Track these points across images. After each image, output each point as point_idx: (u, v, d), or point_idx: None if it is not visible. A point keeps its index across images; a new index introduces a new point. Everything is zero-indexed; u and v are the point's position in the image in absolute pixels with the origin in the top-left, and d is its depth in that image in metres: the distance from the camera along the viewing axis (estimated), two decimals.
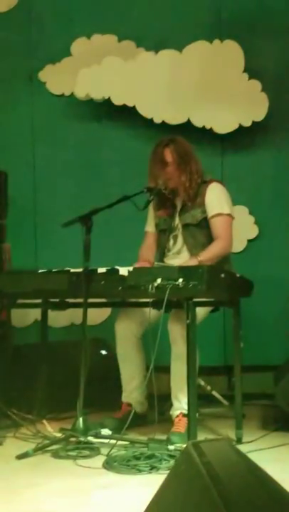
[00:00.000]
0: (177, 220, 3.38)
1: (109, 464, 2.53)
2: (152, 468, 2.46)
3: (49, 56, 4.44)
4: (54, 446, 2.78)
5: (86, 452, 2.71)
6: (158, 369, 2.82)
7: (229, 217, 3.34)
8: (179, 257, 3.34)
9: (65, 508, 2.09)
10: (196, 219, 3.31)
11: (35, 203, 4.46)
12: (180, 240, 3.37)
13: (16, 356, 3.66)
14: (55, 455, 2.71)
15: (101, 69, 4.24)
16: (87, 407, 2.85)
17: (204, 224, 3.31)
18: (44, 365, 3.44)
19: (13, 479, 2.43)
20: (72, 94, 4.36)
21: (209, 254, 3.18)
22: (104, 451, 2.69)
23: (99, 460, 2.61)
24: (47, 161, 4.46)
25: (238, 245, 4.02)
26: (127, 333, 3.30)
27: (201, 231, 3.32)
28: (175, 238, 3.39)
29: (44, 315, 3.47)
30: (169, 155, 3.31)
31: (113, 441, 2.75)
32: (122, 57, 4.27)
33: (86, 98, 4.28)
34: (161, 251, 3.43)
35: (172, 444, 2.72)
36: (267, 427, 3.22)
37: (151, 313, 3.17)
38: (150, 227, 3.52)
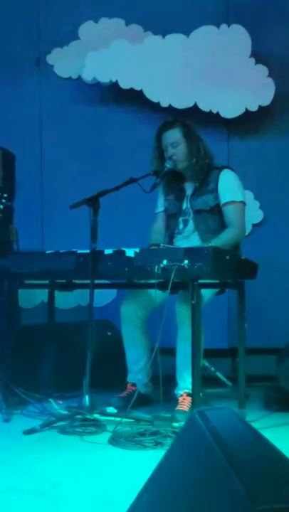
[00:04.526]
0: (187, 204, 3.41)
1: (115, 440, 2.58)
2: (157, 444, 2.52)
3: (57, 39, 4.46)
4: (61, 423, 2.83)
5: (92, 429, 2.77)
6: (163, 351, 2.87)
7: (242, 204, 3.35)
8: (189, 240, 3.36)
9: (71, 480, 2.14)
10: (208, 205, 3.33)
11: (42, 186, 4.49)
12: (191, 224, 3.39)
13: (23, 336, 3.71)
14: (62, 431, 2.76)
15: (108, 52, 4.25)
16: (93, 387, 2.90)
17: (216, 210, 3.33)
18: (51, 345, 3.49)
19: (21, 453, 2.48)
20: (79, 78, 4.38)
21: (221, 240, 3.18)
22: (110, 428, 2.75)
23: (105, 436, 2.67)
24: (54, 144, 4.49)
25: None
26: (132, 315, 3.34)
27: (213, 217, 3.34)
28: (185, 222, 3.41)
29: (51, 296, 3.52)
30: (177, 135, 3.33)
31: (118, 419, 2.81)
32: (130, 41, 4.28)
33: (93, 82, 4.30)
34: (171, 233, 3.46)
35: (176, 421, 2.78)
36: (269, 408, 3.28)
37: (156, 295, 3.22)
38: (159, 210, 3.55)
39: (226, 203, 3.31)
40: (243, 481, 0.82)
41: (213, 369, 3.76)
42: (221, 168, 3.37)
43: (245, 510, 0.76)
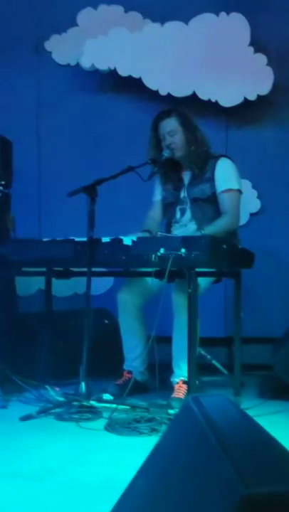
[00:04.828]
0: (185, 193, 3.41)
1: (111, 426, 2.61)
2: (152, 431, 2.54)
3: (55, 26, 4.44)
4: (57, 410, 2.85)
5: (88, 415, 2.79)
6: (159, 339, 2.88)
7: (238, 192, 3.36)
8: (186, 228, 3.37)
9: (68, 465, 2.16)
10: (205, 193, 3.34)
11: (39, 173, 4.49)
12: (188, 213, 3.40)
13: (20, 324, 3.72)
14: (59, 417, 2.78)
15: (107, 40, 4.23)
16: (89, 375, 2.92)
17: (213, 199, 3.34)
18: (48, 333, 3.50)
19: (18, 439, 2.50)
20: (77, 65, 4.37)
21: (214, 228, 3.20)
22: (106, 414, 2.77)
23: (101, 423, 2.69)
24: (52, 131, 4.48)
25: (241, 219, 4.05)
26: (129, 304, 3.35)
27: (210, 206, 3.35)
28: (183, 211, 3.42)
29: (48, 283, 3.53)
30: (174, 124, 3.33)
31: (114, 406, 2.83)
32: (128, 28, 4.26)
33: (92, 69, 4.29)
34: (168, 222, 3.47)
35: (172, 408, 2.80)
36: (264, 396, 3.30)
37: (153, 283, 3.23)
38: (157, 198, 3.55)
39: (223, 191, 3.32)
40: (234, 465, 0.83)
41: (209, 357, 3.78)
42: (217, 157, 3.37)
43: (236, 494, 0.77)
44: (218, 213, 3.33)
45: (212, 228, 3.18)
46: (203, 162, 3.34)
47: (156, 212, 3.53)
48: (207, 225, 3.26)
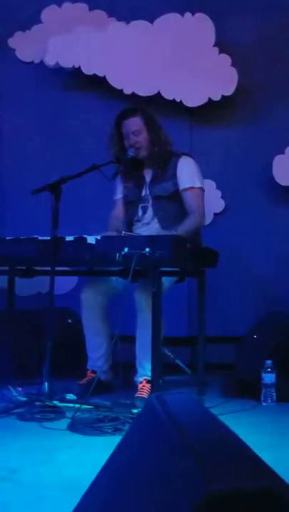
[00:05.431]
0: (146, 191, 3.41)
1: (74, 426, 2.59)
2: (116, 430, 2.53)
3: (19, 23, 4.39)
4: (19, 410, 2.82)
5: (51, 415, 2.76)
6: (123, 338, 2.88)
7: (201, 190, 3.38)
8: (149, 227, 3.37)
9: (30, 465, 2.14)
10: (167, 191, 3.34)
11: (2, 171, 4.44)
12: (150, 211, 3.40)
13: None
14: (21, 417, 2.75)
15: (71, 38, 4.21)
16: (52, 374, 2.89)
17: (175, 196, 3.34)
18: (10, 332, 3.46)
19: None
20: (41, 62, 4.33)
21: (186, 227, 3.20)
22: (70, 414, 2.75)
23: (64, 423, 2.67)
24: (15, 128, 4.43)
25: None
26: (92, 303, 3.34)
27: (172, 203, 3.35)
28: (144, 209, 3.42)
29: (11, 282, 3.49)
30: (138, 123, 3.32)
31: (78, 405, 2.81)
32: (93, 27, 4.25)
33: (56, 66, 4.26)
34: (130, 221, 3.46)
35: (136, 408, 2.80)
36: (227, 395, 3.32)
37: (117, 282, 3.23)
38: (118, 196, 3.54)
39: (185, 189, 3.33)
40: (197, 462, 0.83)
41: (172, 357, 3.79)
42: (179, 155, 3.39)
43: (198, 490, 0.77)
44: (180, 211, 3.34)
45: (184, 228, 3.18)
46: (165, 161, 3.34)
47: (118, 211, 3.52)
48: (170, 222, 3.27)
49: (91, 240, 2.90)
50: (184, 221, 3.27)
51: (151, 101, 4.11)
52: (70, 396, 3.04)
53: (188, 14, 4.23)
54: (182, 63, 4.18)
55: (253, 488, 0.78)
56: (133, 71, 4.20)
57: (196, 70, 4.17)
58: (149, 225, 3.38)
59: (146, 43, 4.22)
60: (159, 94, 4.18)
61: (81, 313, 3.38)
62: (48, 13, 4.37)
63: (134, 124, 3.33)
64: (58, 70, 4.30)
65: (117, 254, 2.79)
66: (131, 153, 3.32)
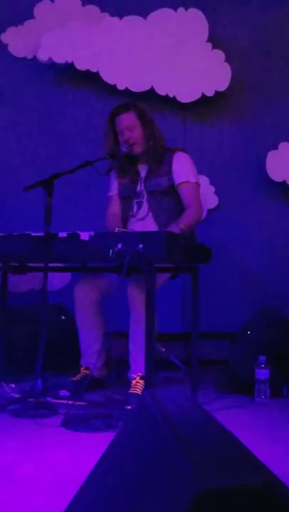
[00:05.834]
0: (141, 187, 3.41)
1: (68, 423, 2.58)
2: (109, 427, 2.53)
3: (11, 18, 4.36)
4: (13, 406, 2.81)
5: (45, 412, 2.75)
6: (117, 335, 2.87)
7: (196, 185, 3.39)
8: (144, 222, 3.36)
9: (24, 462, 2.13)
10: (162, 186, 3.34)
11: None
12: (145, 206, 3.39)
13: None
14: (14, 414, 2.74)
15: (64, 33, 4.19)
16: (46, 371, 2.89)
17: (170, 191, 3.35)
18: (3, 329, 3.45)
19: None
20: (34, 58, 4.30)
21: (188, 220, 3.23)
22: (63, 411, 2.74)
23: (57, 419, 2.66)
24: (8, 124, 4.41)
25: None
26: (86, 299, 3.33)
27: (168, 198, 3.35)
28: (139, 204, 3.41)
29: (4, 279, 3.47)
30: (132, 119, 3.32)
31: (71, 402, 2.80)
32: (86, 22, 4.23)
33: (49, 62, 4.24)
34: (124, 216, 3.45)
35: (129, 404, 2.79)
36: (221, 390, 3.32)
37: (111, 278, 3.22)
38: (114, 193, 3.53)
39: (181, 183, 3.33)
40: (190, 460, 0.83)
41: (166, 352, 3.78)
42: (174, 151, 3.39)
43: (191, 488, 0.77)
44: (175, 206, 3.34)
45: (185, 221, 3.21)
46: (159, 156, 3.34)
47: (115, 208, 3.51)
48: (165, 218, 3.27)
49: (84, 236, 2.89)
50: (184, 214, 3.28)
51: (145, 96, 4.10)
52: (64, 392, 3.04)
53: (181, 9, 4.22)
54: (175, 59, 4.17)
55: (245, 486, 0.78)
56: (126, 66, 4.18)
57: (189, 66, 4.17)
58: (144, 221, 3.37)
59: (139, 39, 4.20)
60: (152, 89, 4.17)
61: (74, 309, 3.37)
62: (41, 9, 4.35)
63: (128, 119, 3.32)
64: (51, 65, 4.28)
65: (111, 251, 2.78)
66: (124, 148, 3.31)
